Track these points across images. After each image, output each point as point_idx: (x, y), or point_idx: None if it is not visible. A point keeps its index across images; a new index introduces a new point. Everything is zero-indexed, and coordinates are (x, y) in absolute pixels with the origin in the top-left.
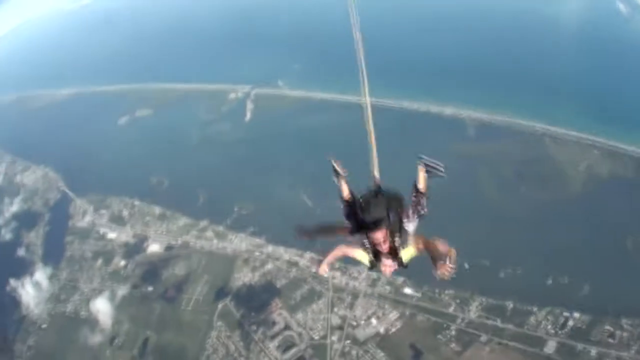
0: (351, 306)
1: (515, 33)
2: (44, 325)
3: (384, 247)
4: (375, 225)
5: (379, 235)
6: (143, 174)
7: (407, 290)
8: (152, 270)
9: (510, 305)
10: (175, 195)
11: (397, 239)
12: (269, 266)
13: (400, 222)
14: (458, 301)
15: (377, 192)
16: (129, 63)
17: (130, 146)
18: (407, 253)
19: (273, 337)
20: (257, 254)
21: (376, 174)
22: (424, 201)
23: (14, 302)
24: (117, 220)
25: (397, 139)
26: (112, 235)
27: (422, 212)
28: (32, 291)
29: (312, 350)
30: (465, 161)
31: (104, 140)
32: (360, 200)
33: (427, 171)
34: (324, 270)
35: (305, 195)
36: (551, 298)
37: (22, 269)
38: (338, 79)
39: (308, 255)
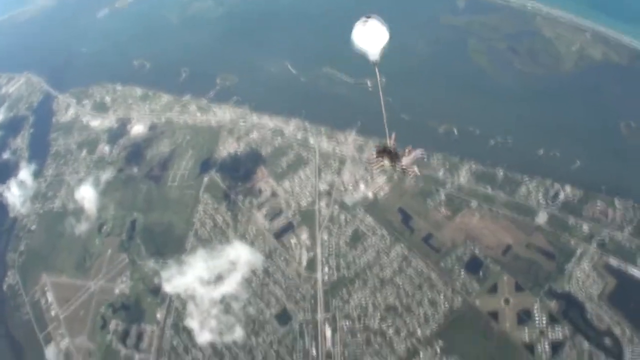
0: (338, 172)
1: None
2: (33, 227)
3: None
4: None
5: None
6: (125, 59)
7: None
8: (137, 152)
9: (500, 173)
10: (157, 75)
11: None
12: (254, 135)
13: (395, 158)
14: (447, 166)
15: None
16: None
17: (110, 36)
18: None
19: (260, 206)
20: (241, 123)
21: (388, 142)
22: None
23: (1, 206)
24: (100, 108)
25: (385, 7)
26: (95, 123)
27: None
28: (17, 191)
29: (300, 217)
30: (457, 33)
31: (84, 36)
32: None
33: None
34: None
35: (289, 63)
36: (542, 169)
37: (7, 172)
38: None
39: (293, 122)
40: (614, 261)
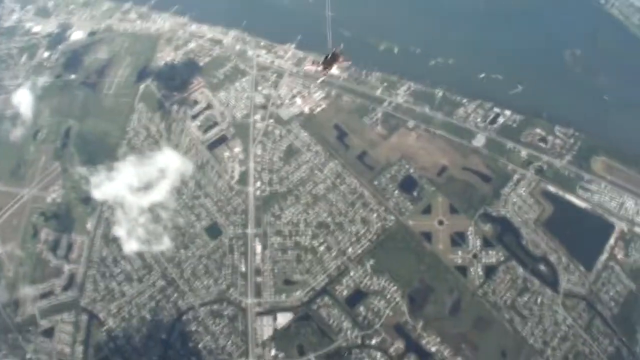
0: (276, 85)
1: None
2: None
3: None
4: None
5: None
6: None
7: (334, 71)
8: (75, 58)
9: (439, 93)
10: None
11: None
12: (192, 45)
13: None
14: (385, 84)
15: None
16: None
17: None
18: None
19: (195, 117)
20: (180, 32)
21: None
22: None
23: None
24: (42, 13)
25: None
26: (37, 28)
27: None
28: None
29: (234, 129)
30: None
31: None
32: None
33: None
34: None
35: None
36: (482, 92)
37: None
38: None
39: (232, 33)
40: (551, 188)
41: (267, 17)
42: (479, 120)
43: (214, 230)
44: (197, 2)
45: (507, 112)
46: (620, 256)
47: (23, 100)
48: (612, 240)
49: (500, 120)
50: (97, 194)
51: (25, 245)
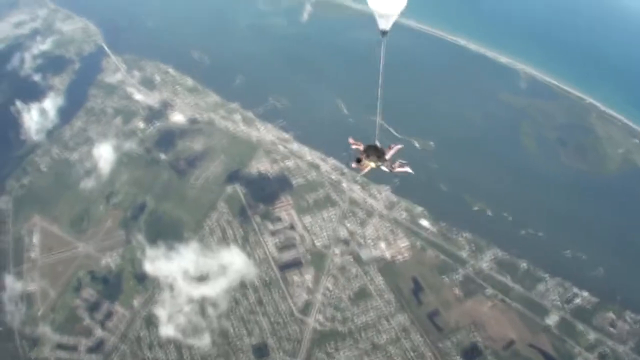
0: (363, 223)
1: (585, 6)
2: (43, 168)
3: (361, 157)
4: (364, 152)
5: (362, 155)
6: (185, 46)
7: (424, 222)
8: (169, 139)
9: (523, 265)
10: (212, 72)
11: (367, 160)
12: (290, 162)
13: (379, 157)
14: (473, 246)
15: (375, 146)
16: None
17: (177, 17)
18: (370, 165)
19: (274, 234)
20: (280, 147)
21: (377, 142)
22: (391, 169)
23: (16, 124)
24: (147, 84)
25: (448, 74)
26: (138, 96)
27: (390, 170)
28: (36, 117)
29: (311, 256)
30: (511, 112)
31: (151, 6)
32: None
33: (402, 164)
34: (351, 142)
35: (342, 101)
36: (565, 270)
37: (34, 94)
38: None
39: (331, 161)
40: None
41: None
42: (556, 298)
43: (261, 350)
44: (304, 122)
45: (585, 294)
46: None
47: (104, 155)
48: None
49: (577, 300)
50: (150, 267)
51: (63, 294)
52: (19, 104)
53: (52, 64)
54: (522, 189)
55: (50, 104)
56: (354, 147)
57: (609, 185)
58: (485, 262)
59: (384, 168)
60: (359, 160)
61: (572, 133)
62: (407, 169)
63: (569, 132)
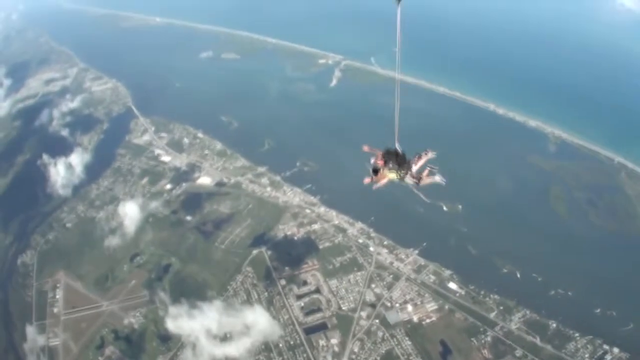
0: (390, 287)
1: (610, 67)
2: (68, 225)
3: (378, 165)
4: (381, 158)
5: (379, 162)
6: (214, 110)
7: (452, 285)
8: (196, 201)
9: (553, 325)
10: (241, 137)
11: (386, 169)
12: (316, 226)
13: (399, 165)
14: (502, 308)
15: (395, 150)
16: (226, 7)
17: (206, 81)
18: (392, 175)
19: (300, 297)
20: (307, 211)
21: (397, 145)
22: (419, 181)
23: (42, 179)
24: (175, 146)
25: (478, 139)
26: (166, 158)
27: (416, 181)
28: (63, 172)
29: (337, 320)
30: (541, 175)
31: (182, 70)
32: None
33: (430, 172)
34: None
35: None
36: (595, 328)
37: (61, 149)
38: (431, 69)
39: (359, 225)
40: None
41: (395, 217)
42: (587, 356)
43: None
44: (331, 186)
45: (615, 350)
46: None
47: (130, 213)
48: None
49: (608, 358)
50: (172, 325)
51: (86, 350)
52: (46, 158)
53: (81, 122)
54: (552, 251)
55: (77, 159)
56: (370, 156)
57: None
58: (514, 324)
59: (407, 180)
60: (375, 171)
61: (602, 193)
62: (437, 178)
63: (598, 193)
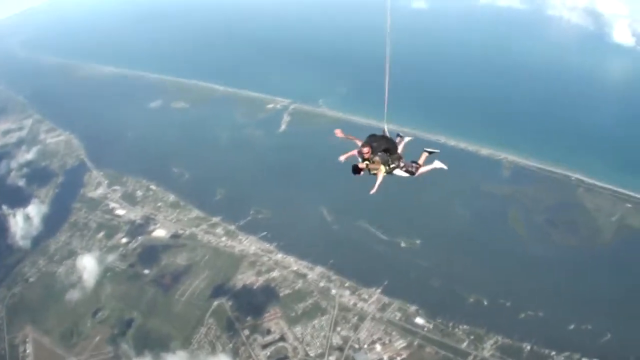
0: (356, 328)
1: (560, 82)
2: (31, 279)
3: (364, 155)
4: (367, 144)
5: (365, 149)
6: (166, 160)
7: (419, 320)
8: (153, 254)
9: (527, 347)
10: (193, 187)
11: (377, 158)
12: (275, 273)
13: (387, 153)
14: (472, 337)
15: (382, 135)
16: (173, 56)
17: (157, 132)
18: (381, 169)
19: (265, 346)
20: (265, 258)
21: (385, 127)
22: (416, 170)
23: (2, 227)
24: (129, 199)
25: (431, 172)
26: (120, 211)
27: (412, 170)
28: (21, 223)
29: None
30: (497, 201)
31: (133, 120)
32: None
33: (429, 153)
34: (341, 159)
35: (324, 208)
36: (572, 344)
37: (18, 200)
38: (378, 107)
39: (318, 269)
40: None
41: (355, 257)
42: None
43: None
44: (287, 232)
45: None
46: None
47: (88, 266)
48: None
49: None
50: None
51: None
52: (5, 208)
53: (37, 174)
54: (516, 274)
55: (35, 211)
56: (348, 141)
57: (606, 255)
58: (487, 351)
59: (399, 173)
60: (359, 167)
61: (562, 212)
62: (438, 164)
63: (558, 212)
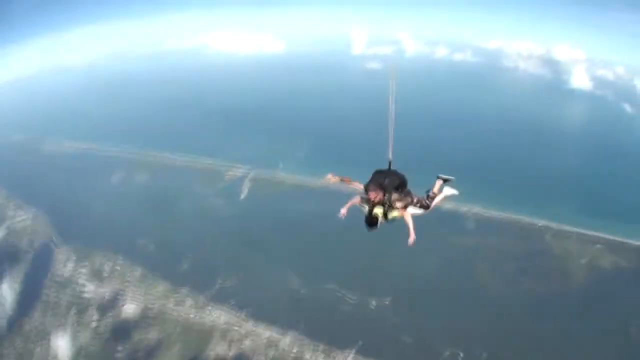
0: None
1: (519, 132)
2: None
3: (376, 200)
4: (376, 185)
5: (373, 194)
6: (130, 233)
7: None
8: (124, 331)
9: None
10: (159, 259)
11: (388, 199)
12: (247, 342)
13: (398, 191)
14: None
15: (388, 169)
16: (130, 127)
17: (121, 205)
18: (393, 213)
19: None
20: (236, 328)
21: (390, 156)
22: (430, 202)
23: None
24: (97, 275)
25: (394, 229)
26: (89, 287)
27: (426, 204)
28: None
29: None
30: (465, 254)
31: (97, 193)
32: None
33: (444, 181)
34: (343, 213)
35: (291, 272)
36: None
37: None
38: (341, 169)
39: (290, 335)
40: None
41: (326, 320)
42: None
43: None
44: (256, 299)
45: None
46: None
47: (63, 347)
48: None
49: None
50: None
51: None
52: None
53: (8, 252)
54: (490, 325)
55: (8, 291)
56: (341, 185)
57: (578, 298)
58: None
59: (412, 210)
60: (375, 218)
61: (531, 259)
62: (449, 191)
63: (527, 260)
